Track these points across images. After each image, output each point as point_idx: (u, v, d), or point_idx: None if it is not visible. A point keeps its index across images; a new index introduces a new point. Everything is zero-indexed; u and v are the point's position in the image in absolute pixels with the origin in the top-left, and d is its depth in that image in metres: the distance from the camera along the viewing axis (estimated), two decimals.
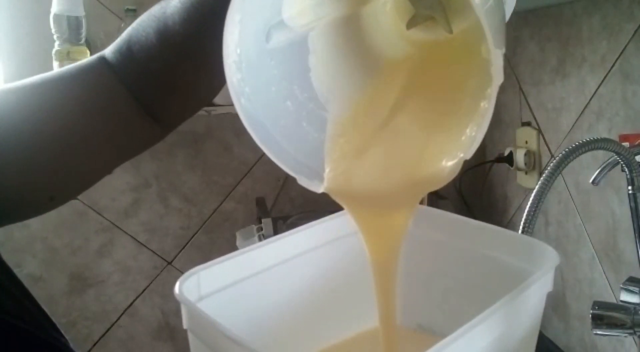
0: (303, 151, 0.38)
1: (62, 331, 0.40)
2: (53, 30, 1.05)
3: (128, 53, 0.39)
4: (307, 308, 0.45)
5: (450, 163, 0.33)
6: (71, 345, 0.40)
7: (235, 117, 0.33)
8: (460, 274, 0.45)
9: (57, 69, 0.46)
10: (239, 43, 0.33)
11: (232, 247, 1.31)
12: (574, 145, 0.63)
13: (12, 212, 0.41)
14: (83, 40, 1.07)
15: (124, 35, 0.40)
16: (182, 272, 0.37)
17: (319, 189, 0.37)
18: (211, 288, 0.39)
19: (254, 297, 0.42)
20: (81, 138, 0.41)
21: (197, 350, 0.35)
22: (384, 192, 0.37)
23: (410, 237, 0.48)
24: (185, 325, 0.35)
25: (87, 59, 0.42)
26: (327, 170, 0.37)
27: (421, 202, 1.05)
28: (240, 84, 0.33)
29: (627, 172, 0.67)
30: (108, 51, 0.41)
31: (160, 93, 0.41)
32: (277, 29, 0.35)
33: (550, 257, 0.37)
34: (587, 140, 0.63)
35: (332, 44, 0.38)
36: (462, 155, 0.32)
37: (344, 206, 0.38)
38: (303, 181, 0.37)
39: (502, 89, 1.17)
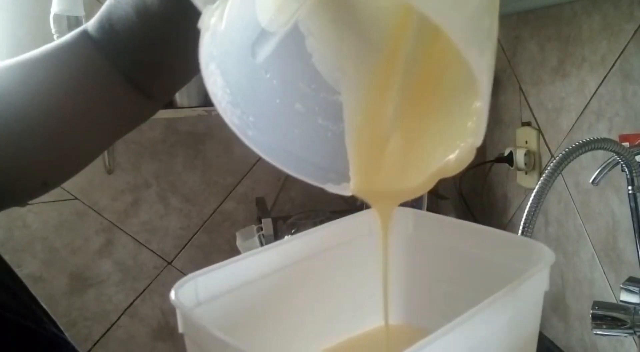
0: (325, 153, 0.37)
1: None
2: (53, 30, 1.05)
3: (110, 30, 0.38)
4: (304, 314, 0.45)
5: (462, 150, 0.33)
6: (71, 341, 0.40)
7: None
8: (461, 277, 0.45)
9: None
10: (226, 85, 0.32)
11: (232, 248, 1.31)
12: (574, 145, 0.63)
13: (4, 198, 0.41)
14: None
15: (104, 10, 0.39)
16: (182, 272, 0.37)
17: (348, 191, 0.37)
18: (209, 294, 0.39)
19: (252, 304, 0.42)
20: (70, 118, 0.40)
21: None
22: (406, 187, 0.36)
23: (412, 241, 0.48)
24: (180, 329, 0.35)
25: (69, 35, 0.40)
26: (351, 167, 0.37)
27: (421, 204, 1.04)
28: (243, 117, 0.33)
29: (627, 172, 0.67)
30: (90, 27, 0.40)
31: (146, 68, 0.40)
32: (261, 42, 0.34)
33: (545, 256, 0.38)
34: (587, 140, 0.63)
35: (327, 16, 0.36)
36: (471, 140, 0.32)
37: (367, 201, 0.38)
38: (332, 188, 0.36)
39: (502, 89, 1.17)
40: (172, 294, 0.35)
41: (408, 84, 0.36)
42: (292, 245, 0.44)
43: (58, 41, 0.40)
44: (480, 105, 0.29)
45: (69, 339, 0.40)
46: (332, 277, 0.46)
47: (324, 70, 0.37)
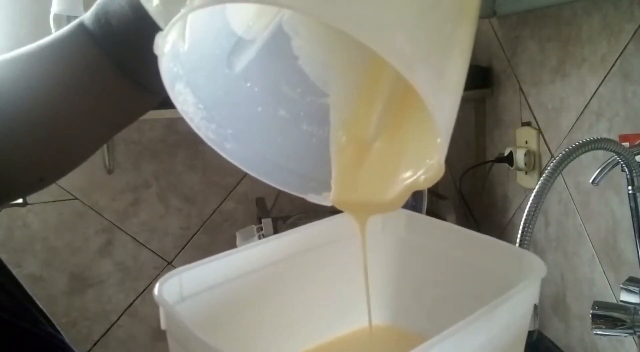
0: (308, 161, 0.36)
1: (61, 330, 0.40)
2: (53, 31, 1.05)
3: (106, 24, 0.38)
4: (289, 312, 0.45)
5: (430, 167, 0.32)
6: (68, 342, 0.40)
7: None
8: (451, 282, 0.45)
9: None
10: (198, 101, 0.31)
11: (232, 247, 1.31)
12: (574, 145, 0.63)
13: (0, 195, 0.41)
14: None
15: (100, 3, 0.39)
16: None
17: (329, 202, 0.36)
18: (193, 290, 0.39)
19: (237, 300, 0.42)
20: (67, 111, 0.39)
21: (174, 350, 0.35)
22: (382, 200, 0.36)
23: (403, 243, 0.48)
24: (163, 326, 0.35)
25: (65, 28, 0.40)
26: (333, 176, 0.37)
27: (421, 204, 1.04)
28: (219, 131, 0.32)
29: (627, 172, 0.67)
30: (87, 20, 0.39)
31: (142, 62, 0.39)
32: (237, 51, 0.33)
33: (537, 269, 0.37)
34: (587, 140, 0.63)
35: None
36: (437, 156, 0.31)
37: (345, 211, 0.38)
38: (312, 198, 0.36)
39: (502, 89, 1.17)
40: (156, 290, 0.35)
41: (396, 86, 0.35)
42: (279, 243, 0.44)
43: (54, 34, 0.40)
44: (440, 137, 0.28)
45: (65, 339, 0.40)
46: (317, 276, 0.46)
47: (311, 72, 0.36)
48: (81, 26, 0.39)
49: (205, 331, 0.30)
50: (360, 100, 0.37)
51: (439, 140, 0.29)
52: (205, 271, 0.40)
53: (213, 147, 0.32)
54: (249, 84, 0.35)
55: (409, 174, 0.34)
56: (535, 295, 0.37)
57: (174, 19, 0.27)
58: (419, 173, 0.33)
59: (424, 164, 0.32)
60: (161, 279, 0.36)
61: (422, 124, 0.34)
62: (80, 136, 0.41)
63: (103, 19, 0.38)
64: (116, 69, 0.39)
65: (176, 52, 0.30)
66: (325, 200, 0.36)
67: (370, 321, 0.42)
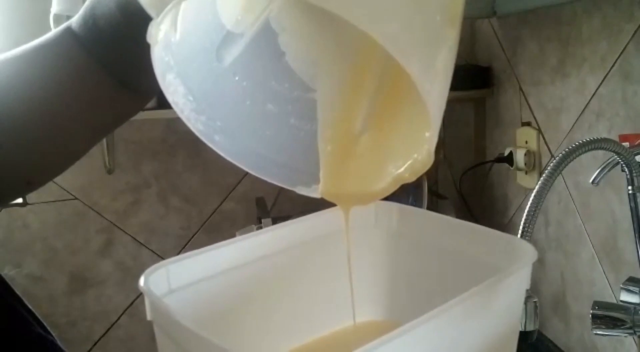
0: (297, 154, 0.37)
1: (61, 331, 0.40)
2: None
3: (94, 27, 0.38)
4: (278, 308, 0.45)
5: (415, 161, 0.33)
6: (59, 342, 0.40)
7: None
8: (445, 273, 0.45)
9: None
10: (188, 92, 0.31)
11: None
12: (574, 145, 0.63)
13: None
14: None
15: (87, 6, 0.38)
16: None
17: (318, 194, 0.37)
18: (182, 282, 0.39)
19: (225, 294, 0.42)
20: (54, 116, 0.39)
21: (161, 340, 0.36)
22: (370, 190, 0.36)
23: (396, 236, 0.48)
24: (149, 317, 0.35)
25: (52, 32, 0.40)
26: (321, 169, 0.37)
27: (421, 204, 1.04)
28: (208, 123, 0.32)
29: (627, 172, 0.67)
30: (74, 24, 0.39)
31: (130, 65, 0.39)
32: (227, 45, 0.33)
33: (527, 254, 0.37)
34: (587, 140, 0.63)
35: (300, 9, 0.35)
36: (427, 146, 0.31)
37: (334, 202, 0.38)
38: (302, 190, 0.36)
39: (502, 89, 1.17)
40: (141, 281, 0.35)
41: (384, 82, 0.35)
42: (268, 237, 0.44)
43: (41, 38, 0.40)
44: (431, 124, 0.28)
45: (57, 340, 0.40)
46: (308, 270, 0.46)
47: (298, 67, 0.36)
48: (68, 30, 0.39)
49: (194, 323, 0.30)
50: (346, 95, 0.37)
51: (427, 134, 0.29)
52: (193, 264, 0.40)
53: (204, 140, 0.32)
54: (237, 78, 0.35)
55: (396, 166, 0.34)
56: (526, 280, 0.37)
57: (168, 7, 0.27)
58: (406, 165, 0.33)
59: (412, 157, 0.33)
60: (147, 271, 0.36)
61: (409, 119, 0.34)
62: (67, 139, 0.41)
63: (90, 22, 0.38)
64: (103, 72, 0.39)
65: (168, 41, 0.30)
66: (314, 192, 0.37)
67: (354, 313, 0.42)
